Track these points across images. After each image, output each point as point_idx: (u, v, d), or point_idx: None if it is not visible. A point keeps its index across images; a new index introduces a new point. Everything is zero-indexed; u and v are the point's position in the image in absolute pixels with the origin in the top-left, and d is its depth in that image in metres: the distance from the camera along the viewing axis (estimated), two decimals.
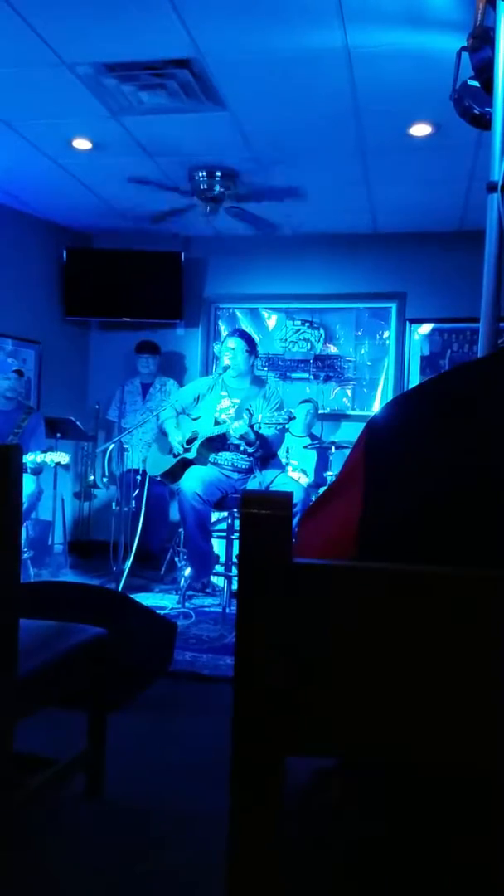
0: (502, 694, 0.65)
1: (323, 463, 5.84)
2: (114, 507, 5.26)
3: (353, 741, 0.70)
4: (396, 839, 0.80)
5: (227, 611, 4.48)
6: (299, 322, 6.68)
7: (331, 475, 5.66)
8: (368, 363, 6.57)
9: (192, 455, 4.66)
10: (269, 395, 4.75)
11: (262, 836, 0.69)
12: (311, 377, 6.64)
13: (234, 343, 4.71)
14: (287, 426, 4.78)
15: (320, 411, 6.25)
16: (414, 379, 6.41)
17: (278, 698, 0.67)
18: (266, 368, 6.64)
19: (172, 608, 4.51)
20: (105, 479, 6.66)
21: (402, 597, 0.67)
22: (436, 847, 0.78)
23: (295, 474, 5.45)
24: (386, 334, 6.53)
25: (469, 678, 0.66)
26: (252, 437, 4.43)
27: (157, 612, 3.55)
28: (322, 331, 6.63)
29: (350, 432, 6.36)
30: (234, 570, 4.71)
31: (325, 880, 0.85)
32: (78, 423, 5.73)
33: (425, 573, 0.67)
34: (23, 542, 4.35)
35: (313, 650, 0.68)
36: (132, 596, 3.63)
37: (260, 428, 4.43)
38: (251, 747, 0.69)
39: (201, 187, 5.19)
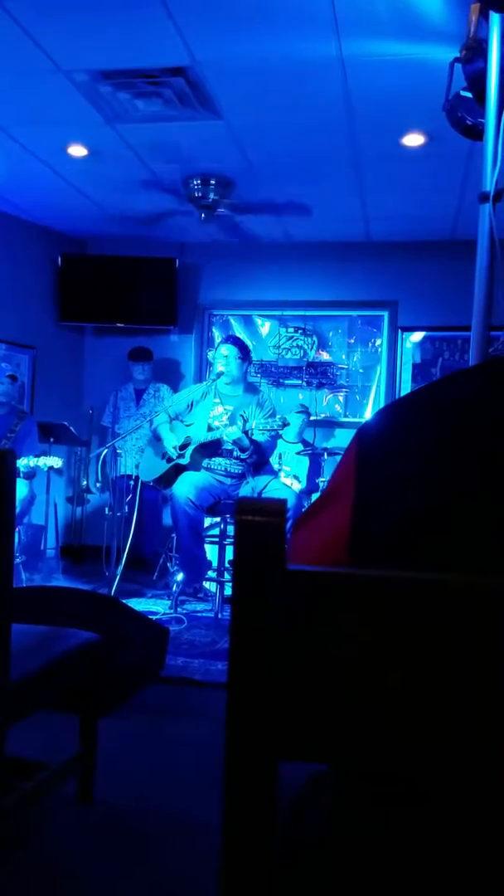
0: (498, 700, 0.66)
1: (315, 469, 5.86)
2: (107, 511, 5.25)
3: (347, 747, 0.71)
4: (391, 843, 0.81)
5: (220, 616, 4.48)
6: (292, 329, 6.69)
7: (323, 481, 5.67)
8: (361, 370, 6.59)
9: (185, 461, 4.67)
10: (263, 401, 4.76)
11: (255, 842, 0.70)
12: (304, 384, 6.66)
13: (226, 350, 4.71)
14: (280, 432, 4.79)
15: (312, 418, 6.27)
16: (406, 386, 6.43)
17: (272, 703, 0.68)
18: (259, 375, 6.66)
19: (165, 613, 4.51)
20: (98, 484, 6.66)
21: (397, 603, 0.68)
22: (432, 851, 0.78)
23: (287, 480, 5.46)
24: (378, 342, 6.56)
25: (465, 685, 0.67)
26: (246, 442, 4.44)
27: (150, 617, 3.56)
28: (315, 338, 6.65)
29: (342, 439, 6.38)
30: (227, 576, 4.71)
31: (319, 885, 0.85)
32: (71, 427, 5.73)
33: (420, 580, 0.68)
34: (15, 546, 4.34)
35: (307, 656, 0.68)
36: (124, 601, 3.64)
37: (253, 434, 4.44)
38: (244, 752, 0.69)
39: (196, 195, 5.21)
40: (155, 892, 1.81)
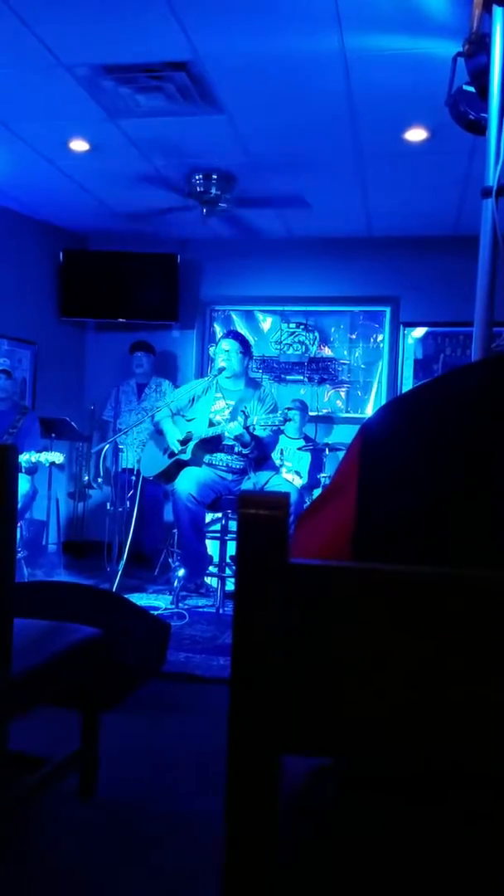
0: (500, 694, 0.66)
1: (317, 464, 5.86)
2: (108, 507, 5.26)
3: (349, 742, 0.71)
4: (394, 838, 0.81)
5: (221, 612, 4.48)
6: (294, 325, 6.69)
7: (324, 476, 5.68)
8: (362, 366, 6.59)
9: (187, 456, 4.67)
10: (264, 396, 4.76)
11: (257, 836, 0.70)
12: (306, 379, 6.66)
13: (227, 345, 4.71)
14: (282, 428, 4.79)
15: (312, 413, 6.26)
16: (407, 382, 6.43)
17: (274, 698, 0.68)
18: (261, 371, 6.65)
19: (166, 609, 4.51)
20: (99, 480, 6.66)
21: (400, 598, 0.68)
22: (434, 846, 0.78)
23: (289, 476, 5.47)
24: (380, 337, 6.55)
25: (469, 680, 0.67)
26: (247, 438, 4.44)
27: (151, 612, 3.56)
28: (316, 333, 6.65)
29: (343, 434, 6.37)
30: (228, 571, 4.72)
31: (322, 880, 0.85)
32: (73, 423, 5.73)
33: (422, 575, 0.68)
34: (17, 542, 4.34)
35: (309, 650, 0.68)
36: (126, 596, 3.64)
37: (255, 429, 4.44)
38: (247, 747, 0.69)
39: (198, 190, 5.20)
40: (157, 888, 1.82)
